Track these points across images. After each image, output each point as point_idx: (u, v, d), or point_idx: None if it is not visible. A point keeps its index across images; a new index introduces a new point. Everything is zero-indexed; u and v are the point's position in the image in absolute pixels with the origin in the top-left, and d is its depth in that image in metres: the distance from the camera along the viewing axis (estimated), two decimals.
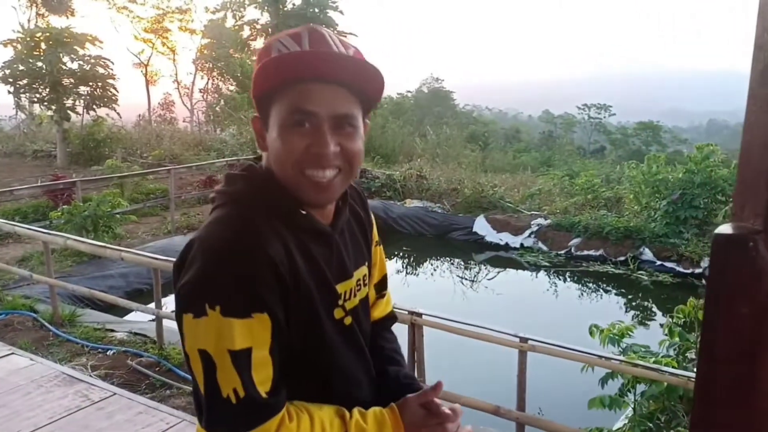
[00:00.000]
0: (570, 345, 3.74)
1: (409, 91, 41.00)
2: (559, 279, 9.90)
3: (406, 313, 4.20)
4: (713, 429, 0.52)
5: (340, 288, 1.04)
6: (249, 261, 0.89)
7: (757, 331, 0.49)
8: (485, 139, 28.28)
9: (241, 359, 0.88)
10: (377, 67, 0.95)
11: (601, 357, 3.63)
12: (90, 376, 2.88)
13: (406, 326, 4.19)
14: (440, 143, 22.66)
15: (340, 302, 1.04)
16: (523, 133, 38.04)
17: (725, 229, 0.52)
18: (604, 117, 39.99)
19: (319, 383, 1.02)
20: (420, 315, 4.17)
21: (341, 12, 17.39)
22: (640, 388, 3.77)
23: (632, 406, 3.79)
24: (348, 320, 1.05)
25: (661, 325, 4.67)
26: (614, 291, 9.54)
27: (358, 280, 1.10)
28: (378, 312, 1.26)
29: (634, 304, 9.15)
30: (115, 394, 2.54)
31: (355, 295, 1.09)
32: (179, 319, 0.91)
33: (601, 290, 9.61)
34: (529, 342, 3.89)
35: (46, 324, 5.19)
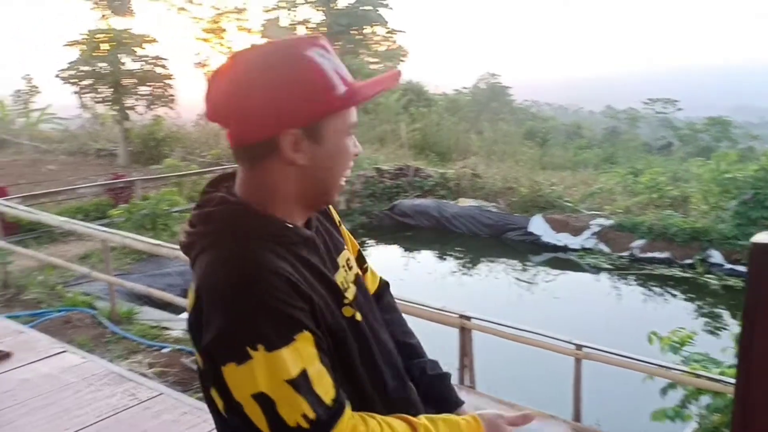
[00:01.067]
0: (627, 353, 3.62)
1: (465, 87, 40.65)
2: (622, 282, 9.59)
3: (456, 316, 4.16)
4: None
5: (337, 280, 1.07)
6: (269, 289, 0.89)
7: None
8: (544, 136, 27.75)
9: (301, 383, 0.88)
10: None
11: (660, 366, 3.50)
12: (139, 374, 2.97)
13: (456, 330, 4.15)
14: (497, 140, 22.40)
15: (346, 301, 1.06)
16: (585, 129, 37.08)
17: (763, 237, 0.51)
18: (671, 112, 38.56)
19: (350, 386, 1.02)
20: (469, 318, 4.12)
21: (391, 8, 17.40)
22: (705, 399, 3.60)
23: (696, 419, 3.62)
24: (358, 316, 1.07)
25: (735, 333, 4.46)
26: (681, 296, 9.16)
27: (343, 266, 1.13)
28: (369, 286, 1.29)
29: (703, 310, 8.77)
30: (162, 393, 2.59)
31: (349, 284, 1.11)
32: (217, 375, 0.90)
33: (667, 295, 9.25)
34: (584, 349, 3.79)
35: (104, 321, 5.38)
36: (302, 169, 0.99)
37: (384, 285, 1.36)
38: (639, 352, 3.69)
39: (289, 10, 19.95)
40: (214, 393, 0.95)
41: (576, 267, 10.29)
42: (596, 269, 10.01)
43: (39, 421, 2.37)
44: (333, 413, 0.91)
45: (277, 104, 0.95)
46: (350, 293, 1.09)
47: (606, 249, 10.35)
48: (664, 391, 3.71)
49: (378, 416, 0.99)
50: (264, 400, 0.87)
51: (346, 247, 1.20)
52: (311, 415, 0.88)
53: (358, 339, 1.05)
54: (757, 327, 0.50)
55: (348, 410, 0.94)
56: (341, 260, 1.13)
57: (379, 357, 1.09)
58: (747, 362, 0.51)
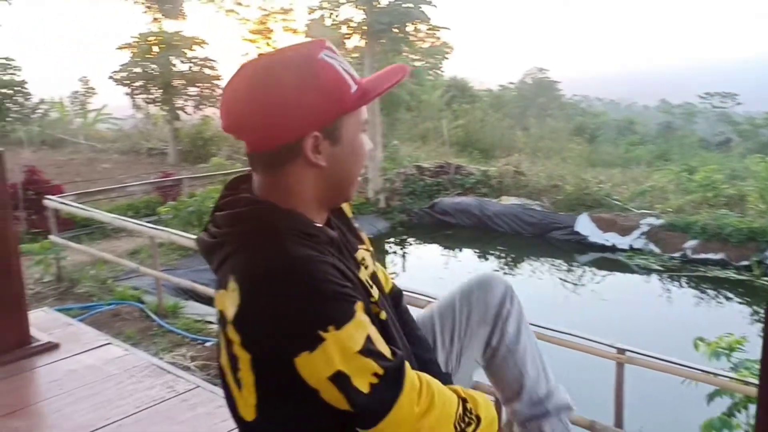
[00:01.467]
0: (672, 358, 3.53)
1: (511, 83, 40.12)
2: (673, 284, 9.32)
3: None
4: None
5: (362, 278, 1.10)
6: (320, 274, 0.93)
7: None
8: (593, 132, 27.16)
9: (369, 347, 0.94)
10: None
11: (707, 372, 3.39)
12: (177, 367, 3.07)
13: None
14: (543, 137, 22.04)
15: (372, 300, 1.09)
16: (638, 124, 36.10)
17: None
18: (730, 106, 37.15)
19: None
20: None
21: (434, 6, 17.28)
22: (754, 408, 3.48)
23: (745, 428, 3.49)
24: (383, 315, 1.10)
25: None
26: (736, 299, 8.85)
27: (361, 262, 1.16)
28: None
29: (759, 314, 8.44)
30: (198, 386, 2.66)
31: (371, 282, 1.14)
32: (285, 366, 0.91)
33: (721, 298, 8.95)
34: (627, 354, 3.70)
35: (151, 314, 5.56)
36: (321, 170, 1.02)
37: (399, 292, 1.37)
38: (689, 358, 3.59)
39: (331, 10, 20.06)
40: (245, 392, 0.98)
41: (624, 268, 10.05)
42: (646, 270, 9.75)
43: (83, 410, 2.48)
44: (398, 363, 0.97)
45: (299, 107, 0.97)
46: (374, 292, 1.12)
47: (656, 249, 10.07)
48: (711, 398, 3.60)
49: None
50: (341, 379, 0.91)
51: (360, 246, 1.21)
52: (380, 371, 0.93)
53: (384, 336, 1.06)
54: None
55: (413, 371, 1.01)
56: (358, 257, 1.16)
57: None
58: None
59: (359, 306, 0.95)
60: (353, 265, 1.09)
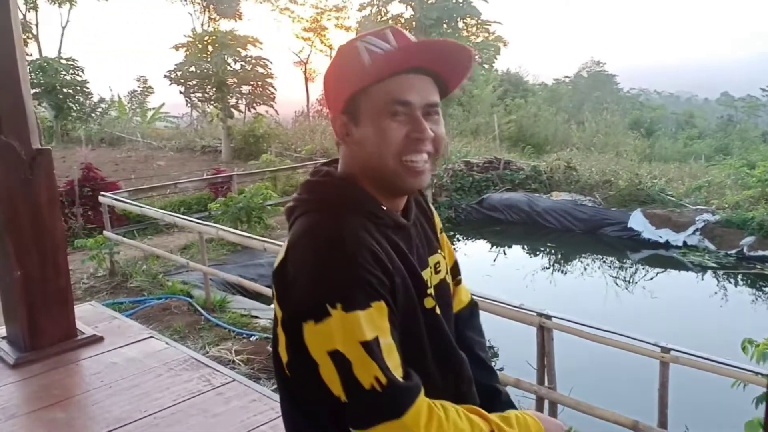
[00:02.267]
0: (719, 358, 3.40)
1: (567, 77, 39.35)
2: (729, 282, 8.96)
3: (535, 315, 4.06)
4: None
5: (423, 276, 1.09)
6: (356, 255, 0.94)
7: None
8: (650, 126, 26.37)
9: (374, 348, 0.91)
10: (467, 48, 1.04)
11: (754, 373, 3.25)
12: (215, 361, 3.14)
13: (534, 329, 4.06)
14: (598, 131, 21.54)
15: (429, 291, 1.07)
16: (698, 118, 34.88)
17: None
18: None
19: (420, 373, 1.02)
20: (549, 317, 4.01)
21: (486, 0, 17.09)
22: None
23: None
24: (438, 309, 1.09)
25: None
26: None
27: (432, 267, 1.15)
28: (458, 301, 1.30)
29: None
30: (234, 380, 2.72)
31: (432, 285, 1.12)
32: (297, 330, 0.94)
33: None
34: (672, 353, 3.59)
35: (199, 308, 5.69)
36: (354, 152, 1.05)
37: (474, 304, 1.36)
38: (741, 359, 3.45)
39: (380, 6, 20.15)
40: (282, 349, 1.01)
41: (678, 265, 9.71)
42: (700, 268, 9.39)
43: (122, 402, 2.56)
44: (406, 388, 0.92)
45: (326, 95, 1.07)
46: (432, 291, 1.10)
47: (711, 246, 9.68)
48: (759, 401, 3.46)
49: (454, 405, 0.99)
50: (340, 359, 0.90)
51: (440, 252, 1.21)
52: (383, 380, 0.90)
53: (434, 331, 1.06)
54: None
55: (422, 391, 0.95)
56: (431, 261, 1.15)
57: (453, 356, 1.11)
58: None
59: (380, 306, 0.93)
60: (417, 262, 1.07)
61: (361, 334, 0.90)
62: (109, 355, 2.95)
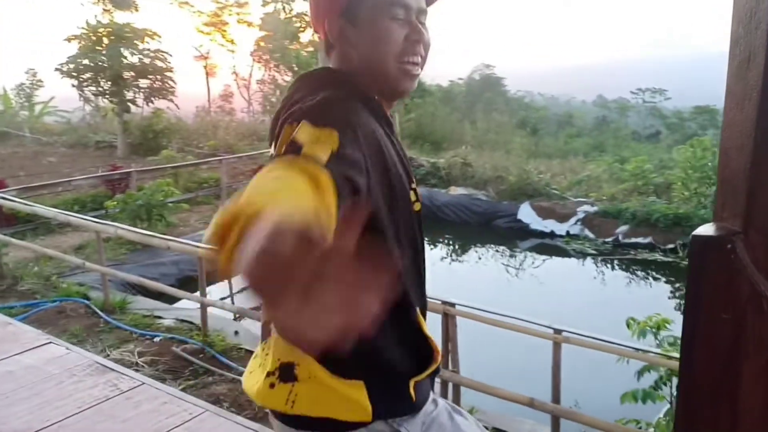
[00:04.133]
0: (605, 337, 3.62)
1: (460, 78, 40.45)
2: (606, 267, 9.61)
3: (439, 303, 4.14)
4: (697, 425, 0.52)
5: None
6: (351, 114, 0.92)
7: (736, 337, 0.48)
8: (535, 125, 27.68)
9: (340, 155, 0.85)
10: None
11: (636, 350, 3.50)
12: (121, 365, 2.96)
13: (439, 316, 4.14)
14: (489, 130, 22.36)
15: (413, 185, 1.05)
16: (576, 118, 36.92)
17: (705, 230, 0.50)
18: (660, 101, 38.44)
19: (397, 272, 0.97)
20: (453, 305, 4.10)
21: None
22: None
23: (669, 399, 3.64)
24: (418, 206, 1.06)
25: None
26: (663, 279, 9.19)
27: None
28: None
29: (681, 291, 8.80)
30: (143, 383, 2.57)
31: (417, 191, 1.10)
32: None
33: (650, 279, 9.28)
34: (563, 334, 3.78)
35: (97, 311, 5.35)
36: (352, 55, 1.01)
37: None
38: (622, 336, 3.70)
39: (285, 3, 19.85)
40: None
41: (562, 253, 10.30)
42: (582, 255, 10.02)
43: (21, 412, 2.35)
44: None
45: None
46: (415, 187, 1.07)
47: (591, 235, 10.37)
48: (640, 373, 3.73)
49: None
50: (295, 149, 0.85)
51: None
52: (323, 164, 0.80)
53: (412, 227, 1.03)
54: (698, 325, 0.49)
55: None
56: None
57: (421, 257, 1.08)
58: (688, 359, 0.51)
59: (353, 154, 0.85)
60: (401, 153, 1.05)
61: (320, 148, 0.83)
62: (4, 363, 2.70)
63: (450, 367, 4.34)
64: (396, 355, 0.99)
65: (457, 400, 4.06)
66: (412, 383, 1.01)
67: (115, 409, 2.38)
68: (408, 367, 1.01)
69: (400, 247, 0.98)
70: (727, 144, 0.50)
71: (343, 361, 0.87)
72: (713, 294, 0.48)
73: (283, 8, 21.93)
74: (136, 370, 3.91)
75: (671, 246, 9.55)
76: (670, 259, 9.41)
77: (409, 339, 1.02)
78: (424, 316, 1.07)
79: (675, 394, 3.59)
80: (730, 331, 0.47)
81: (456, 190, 12.29)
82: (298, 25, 22.99)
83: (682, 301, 7.84)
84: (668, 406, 3.65)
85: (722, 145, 0.51)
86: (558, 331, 3.79)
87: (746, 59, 0.47)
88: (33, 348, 2.87)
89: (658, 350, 3.50)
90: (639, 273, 9.38)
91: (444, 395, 4.12)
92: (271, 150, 0.99)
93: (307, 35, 18.02)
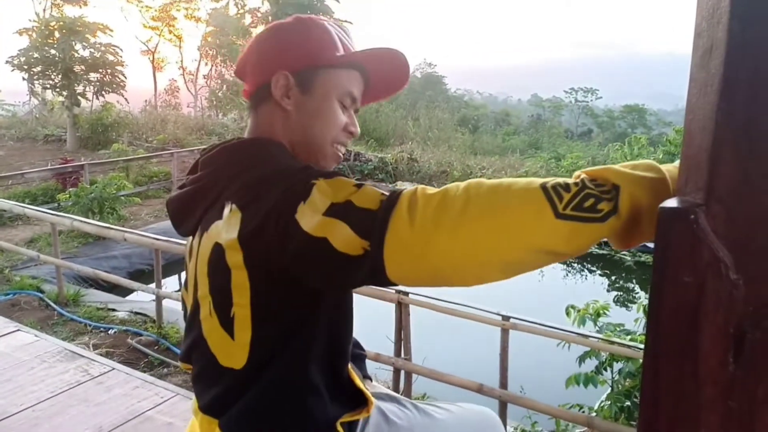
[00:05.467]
0: (550, 323, 3.72)
1: None
2: None
3: (393, 292, 4.18)
4: (663, 384, 0.53)
5: None
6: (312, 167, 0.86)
7: (698, 298, 0.50)
8: (475, 123, 28.13)
9: (365, 183, 0.80)
10: (408, 71, 1.02)
11: (579, 335, 3.61)
12: (91, 351, 2.88)
13: (393, 305, 4.17)
14: (432, 127, 22.56)
15: None
16: (513, 116, 37.77)
17: (670, 203, 0.53)
18: (591, 100, 39.71)
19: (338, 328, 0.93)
20: (407, 294, 4.14)
21: (338, 0, 17.19)
22: (618, 366, 3.75)
23: (610, 383, 3.76)
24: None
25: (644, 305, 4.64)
26: (599, 271, 9.51)
27: None
28: None
29: (617, 284, 9.14)
30: (114, 369, 2.52)
31: None
32: (291, 229, 0.76)
33: (585, 271, 9.59)
34: (511, 320, 3.86)
35: (51, 303, 5.16)
36: (288, 116, 0.95)
37: None
38: (562, 324, 3.81)
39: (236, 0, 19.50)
40: (240, 326, 0.85)
41: None
42: None
43: None
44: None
45: (276, 48, 0.96)
46: None
47: None
48: (582, 359, 3.82)
49: None
50: (338, 208, 0.74)
51: None
52: (385, 194, 0.75)
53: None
54: (663, 289, 0.51)
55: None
56: None
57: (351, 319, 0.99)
58: (655, 323, 0.52)
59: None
60: None
61: (348, 181, 0.78)
62: None
63: (402, 354, 4.38)
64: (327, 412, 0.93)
65: (408, 387, 4.10)
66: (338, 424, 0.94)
67: (87, 393, 2.33)
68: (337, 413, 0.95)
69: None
70: (690, 126, 0.53)
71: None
72: (677, 260, 0.50)
73: (236, 3, 21.51)
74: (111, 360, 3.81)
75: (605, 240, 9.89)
76: (604, 252, 9.76)
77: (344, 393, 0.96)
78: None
79: (615, 378, 3.73)
80: (693, 293, 0.50)
81: (403, 185, 12.38)
82: (249, 21, 22.59)
83: (618, 293, 8.12)
84: (609, 390, 3.77)
85: (686, 126, 0.54)
86: (506, 318, 3.86)
87: (708, 50, 0.51)
88: (1, 335, 2.76)
89: (601, 335, 3.60)
90: (575, 265, 9.68)
91: (396, 382, 4.16)
92: (207, 233, 0.88)
93: (259, 30, 17.74)
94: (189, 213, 0.95)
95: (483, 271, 0.72)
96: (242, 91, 1.02)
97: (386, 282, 0.73)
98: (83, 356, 2.62)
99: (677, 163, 0.61)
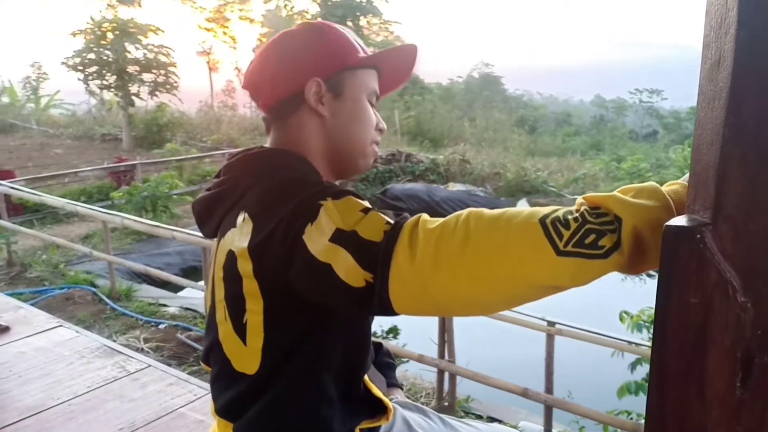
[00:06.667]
0: (597, 330, 3.65)
1: (459, 77, 40.44)
2: None
3: None
4: (668, 406, 0.52)
5: None
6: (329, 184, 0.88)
7: (704, 320, 0.49)
8: (533, 123, 27.71)
9: (373, 210, 0.81)
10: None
11: (629, 343, 3.53)
12: (129, 348, 3.01)
13: None
14: (488, 128, 22.38)
15: None
16: (574, 117, 36.96)
17: (677, 221, 0.52)
18: (656, 101, 38.43)
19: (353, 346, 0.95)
20: None
21: (387, 1, 17.25)
22: None
23: None
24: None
25: None
26: (656, 276, 9.21)
27: None
28: None
29: None
30: (150, 366, 2.62)
31: None
32: (297, 250, 0.78)
33: (643, 275, 9.30)
34: (557, 326, 3.82)
35: (104, 298, 5.40)
36: (324, 122, 0.96)
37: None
38: (619, 331, 3.73)
39: (286, 1, 19.85)
40: (253, 333, 0.87)
41: None
42: None
43: (33, 391, 2.41)
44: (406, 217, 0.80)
45: (302, 57, 0.97)
46: None
47: None
48: (633, 366, 3.76)
49: None
50: (343, 236, 0.76)
51: None
52: (390, 223, 0.77)
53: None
54: (669, 309, 0.51)
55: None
56: None
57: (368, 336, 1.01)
58: (660, 344, 0.52)
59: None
60: None
61: (356, 204, 0.80)
62: (16, 344, 2.75)
63: (447, 357, 4.39)
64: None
65: (453, 389, 4.12)
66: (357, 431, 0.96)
67: (123, 389, 2.44)
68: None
69: None
70: (699, 141, 0.52)
71: None
72: (683, 280, 0.50)
73: (285, 5, 21.91)
74: (161, 354, 3.97)
75: None
76: None
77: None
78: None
79: None
80: (699, 314, 0.49)
81: (455, 186, 12.32)
82: (299, 22, 23.02)
83: None
84: None
85: (695, 141, 0.53)
86: (552, 324, 3.83)
87: (717, 62, 0.50)
88: (44, 331, 2.92)
89: (649, 343, 3.51)
90: None
91: (440, 384, 4.18)
92: (222, 239, 0.92)
93: None
94: (210, 216, 0.99)
95: (486, 306, 0.76)
96: (259, 106, 1.02)
97: (395, 314, 0.75)
98: (121, 353, 2.74)
99: (687, 176, 0.60)
